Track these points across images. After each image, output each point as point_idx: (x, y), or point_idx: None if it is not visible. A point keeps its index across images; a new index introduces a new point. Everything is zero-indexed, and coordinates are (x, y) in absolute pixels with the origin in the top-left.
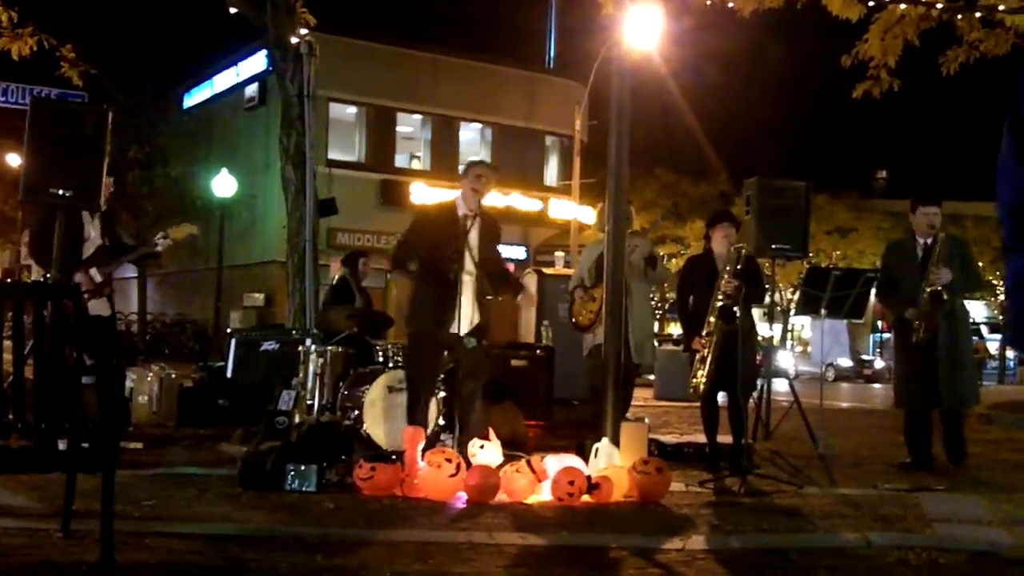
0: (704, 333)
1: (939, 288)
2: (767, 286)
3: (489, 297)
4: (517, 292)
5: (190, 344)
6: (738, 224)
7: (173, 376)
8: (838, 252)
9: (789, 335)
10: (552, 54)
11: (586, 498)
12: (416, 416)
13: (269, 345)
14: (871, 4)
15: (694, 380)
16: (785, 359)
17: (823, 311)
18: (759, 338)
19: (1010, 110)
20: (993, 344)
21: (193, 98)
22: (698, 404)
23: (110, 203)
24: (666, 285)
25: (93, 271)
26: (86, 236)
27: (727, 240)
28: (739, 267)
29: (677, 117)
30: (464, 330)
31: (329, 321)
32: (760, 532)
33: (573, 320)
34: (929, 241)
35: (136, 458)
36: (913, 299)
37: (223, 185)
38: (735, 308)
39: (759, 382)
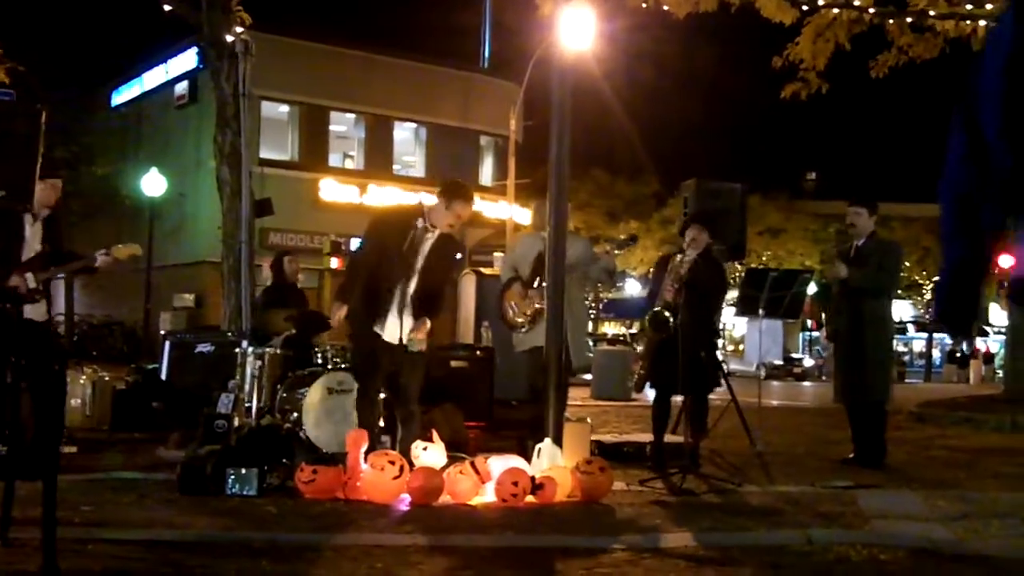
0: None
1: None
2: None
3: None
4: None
5: (119, 346)
6: (708, 227)
7: (106, 379)
8: (769, 252)
9: (722, 334)
10: (487, 54)
11: (530, 499)
12: (365, 418)
13: (204, 347)
14: (804, 8)
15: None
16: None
17: (761, 311)
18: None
19: (960, 107)
20: (919, 343)
21: (122, 96)
22: (635, 402)
23: (56, 206)
24: (600, 285)
25: (29, 276)
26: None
27: (693, 243)
28: (686, 273)
29: (612, 118)
30: (406, 339)
31: (266, 323)
32: (703, 531)
33: (504, 314)
34: (859, 243)
35: (72, 463)
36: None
37: (152, 184)
38: (668, 316)
39: None
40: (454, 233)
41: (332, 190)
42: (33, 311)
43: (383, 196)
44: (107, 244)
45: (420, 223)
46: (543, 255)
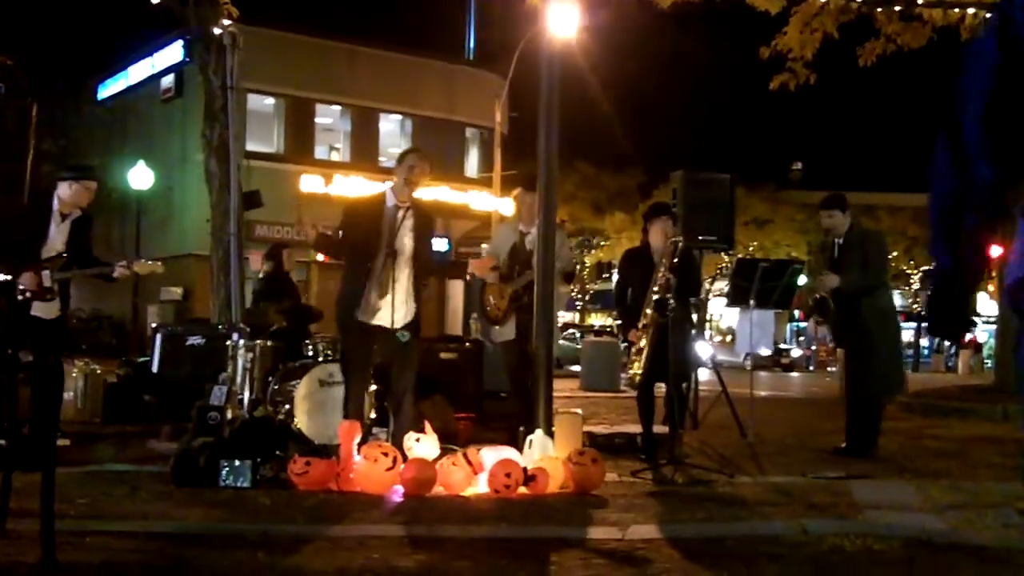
0: (640, 325)
1: (823, 295)
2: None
3: (425, 285)
4: (463, 273)
5: (108, 340)
6: (675, 217)
7: (98, 372)
8: (755, 243)
9: (707, 325)
10: (471, 46)
11: (523, 490)
12: (351, 409)
13: (195, 340)
14: None
15: (630, 371)
16: (703, 349)
17: (752, 302)
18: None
19: (944, 121)
20: (907, 333)
21: (108, 89)
22: (624, 394)
23: (88, 210)
24: (585, 275)
25: (45, 274)
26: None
27: (664, 233)
28: (675, 260)
29: (596, 109)
30: (398, 324)
31: (263, 315)
32: (697, 521)
33: (485, 308)
34: (840, 241)
35: (65, 455)
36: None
37: (140, 177)
38: (669, 301)
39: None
40: (420, 200)
41: (317, 182)
42: (43, 309)
43: (369, 188)
44: (96, 240)
45: (390, 201)
46: (517, 246)
